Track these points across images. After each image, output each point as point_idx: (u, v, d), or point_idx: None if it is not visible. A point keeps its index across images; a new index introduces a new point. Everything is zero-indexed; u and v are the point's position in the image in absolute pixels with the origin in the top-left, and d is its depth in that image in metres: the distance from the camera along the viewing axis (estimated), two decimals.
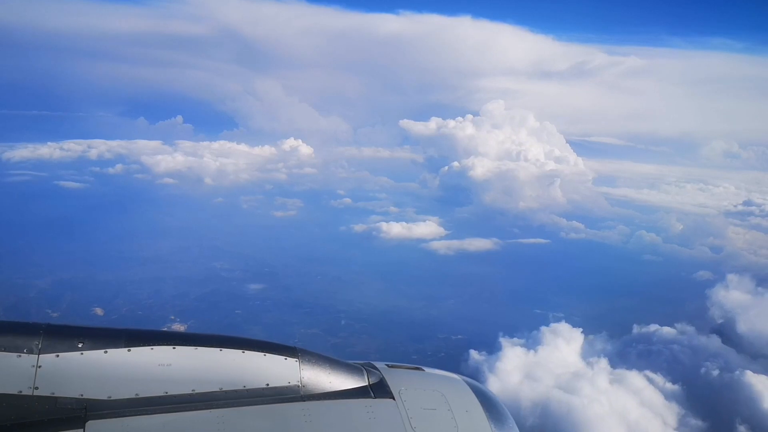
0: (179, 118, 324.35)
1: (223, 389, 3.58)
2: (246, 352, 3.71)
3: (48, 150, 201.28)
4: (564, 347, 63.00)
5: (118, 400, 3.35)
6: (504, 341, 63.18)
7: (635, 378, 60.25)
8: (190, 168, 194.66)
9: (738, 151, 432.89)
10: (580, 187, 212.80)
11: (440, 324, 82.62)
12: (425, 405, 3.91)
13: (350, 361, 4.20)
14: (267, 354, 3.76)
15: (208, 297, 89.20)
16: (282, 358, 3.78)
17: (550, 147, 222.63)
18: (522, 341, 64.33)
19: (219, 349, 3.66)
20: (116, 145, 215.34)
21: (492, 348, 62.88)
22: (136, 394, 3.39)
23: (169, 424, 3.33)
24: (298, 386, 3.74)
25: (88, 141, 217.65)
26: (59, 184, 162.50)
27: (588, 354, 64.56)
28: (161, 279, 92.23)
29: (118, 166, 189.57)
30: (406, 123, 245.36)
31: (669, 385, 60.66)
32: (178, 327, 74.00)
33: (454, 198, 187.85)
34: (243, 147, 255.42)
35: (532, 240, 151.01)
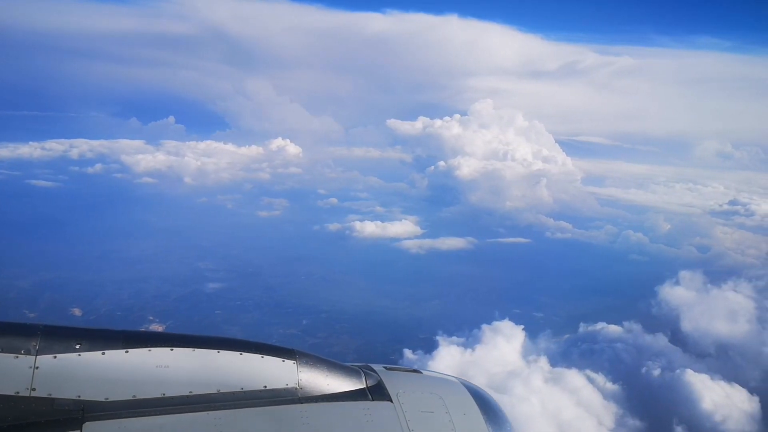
0: (171, 119, 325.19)
1: (221, 391, 3.57)
2: (244, 354, 3.70)
3: (28, 149, 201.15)
4: (504, 345, 61.89)
5: (116, 401, 3.34)
6: (441, 340, 62.34)
7: (574, 377, 59.09)
8: (171, 167, 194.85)
9: (731, 152, 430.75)
10: (568, 187, 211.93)
11: (421, 325, 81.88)
12: (423, 408, 3.90)
13: (348, 364, 4.18)
14: (265, 356, 3.75)
15: (189, 297, 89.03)
16: (280, 360, 3.78)
17: (539, 146, 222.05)
18: (462, 340, 63.42)
19: (217, 351, 3.65)
20: (98, 145, 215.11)
21: (430, 347, 61.99)
22: (134, 396, 3.39)
23: (167, 425, 3.31)
24: (296, 388, 3.74)
25: (70, 140, 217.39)
26: (31, 183, 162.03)
27: (531, 352, 63.53)
28: (144, 279, 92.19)
29: (98, 166, 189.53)
30: (393, 123, 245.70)
31: (609, 385, 59.55)
32: (157, 327, 73.88)
33: (442, 198, 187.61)
34: (230, 147, 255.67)
35: (512, 239, 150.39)
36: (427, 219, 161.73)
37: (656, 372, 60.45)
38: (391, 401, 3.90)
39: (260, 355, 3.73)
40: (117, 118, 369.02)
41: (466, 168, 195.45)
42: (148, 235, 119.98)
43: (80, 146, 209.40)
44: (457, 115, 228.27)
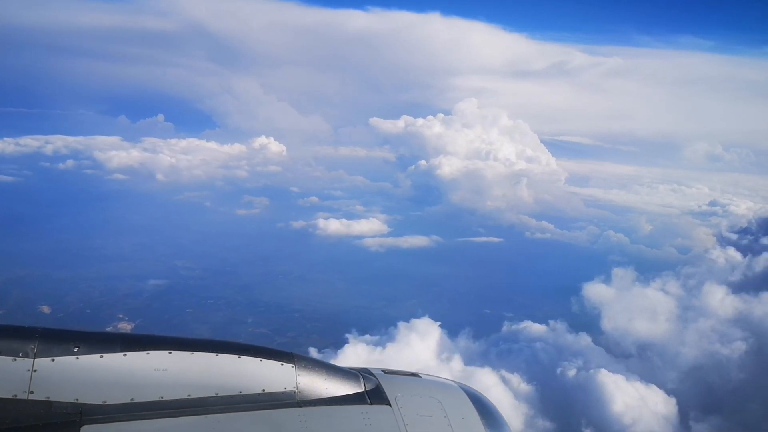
0: (160, 117, 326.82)
1: (219, 394, 3.53)
2: (242, 357, 3.66)
3: (1, 145, 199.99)
4: (418, 344, 60.45)
5: (114, 404, 3.30)
6: (351, 338, 61.01)
7: (486, 376, 57.47)
8: (143, 164, 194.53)
9: (721, 154, 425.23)
10: (552, 188, 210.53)
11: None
12: (421, 412, 3.87)
13: (347, 367, 4.15)
14: (263, 359, 3.71)
15: (161, 295, 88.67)
16: (278, 363, 3.75)
17: (523, 146, 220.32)
18: (375, 338, 62.04)
19: (215, 354, 3.59)
20: (74, 141, 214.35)
21: (338, 345, 60.72)
22: (132, 399, 3.34)
23: (165, 429, 3.29)
24: (294, 392, 3.71)
25: (47, 137, 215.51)
26: None
27: (447, 350, 62.00)
28: (117, 277, 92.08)
29: (69, 162, 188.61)
30: (375, 121, 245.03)
31: (523, 385, 57.96)
32: (125, 326, 73.42)
33: (424, 197, 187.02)
34: (212, 145, 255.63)
35: (483, 239, 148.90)
36: (407, 218, 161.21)
37: (572, 372, 58.81)
38: (390, 405, 3.85)
39: (258, 359, 3.69)
40: (106, 116, 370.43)
41: (448, 167, 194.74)
42: (123, 233, 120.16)
43: (56, 143, 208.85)
44: (441, 115, 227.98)
